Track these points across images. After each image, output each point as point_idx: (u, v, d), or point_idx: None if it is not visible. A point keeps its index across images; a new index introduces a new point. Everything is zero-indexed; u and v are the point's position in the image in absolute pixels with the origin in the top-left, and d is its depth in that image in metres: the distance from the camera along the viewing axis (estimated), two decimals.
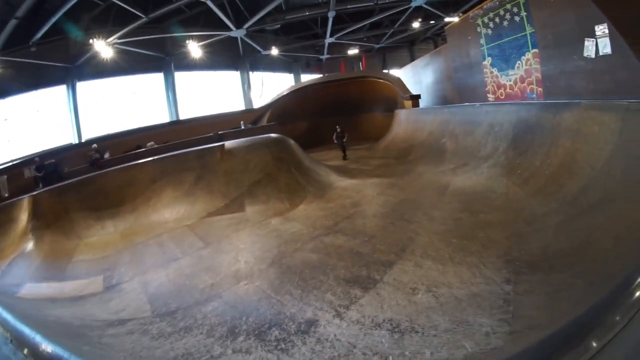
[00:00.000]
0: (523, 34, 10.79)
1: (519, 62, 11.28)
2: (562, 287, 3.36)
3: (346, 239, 5.87)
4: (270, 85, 24.49)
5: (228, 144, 10.30)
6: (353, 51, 26.02)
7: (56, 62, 16.56)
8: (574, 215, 4.72)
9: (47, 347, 1.29)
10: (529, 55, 10.76)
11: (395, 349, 2.97)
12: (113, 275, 6.43)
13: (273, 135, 11.29)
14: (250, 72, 23.91)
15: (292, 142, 10.69)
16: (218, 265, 5.85)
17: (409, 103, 14.84)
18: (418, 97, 15.23)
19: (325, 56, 25.91)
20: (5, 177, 12.53)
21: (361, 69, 26.35)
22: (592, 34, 8.31)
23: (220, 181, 9.45)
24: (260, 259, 5.73)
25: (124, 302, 5.09)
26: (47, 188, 10.78)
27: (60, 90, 17.51)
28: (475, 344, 2.87)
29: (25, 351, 1.30)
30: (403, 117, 14.38)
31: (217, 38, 19.74)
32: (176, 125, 18.41)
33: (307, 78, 24.81)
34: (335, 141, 13.65)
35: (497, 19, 11.83)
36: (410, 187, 8.35)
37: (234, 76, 23.78)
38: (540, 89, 10.58)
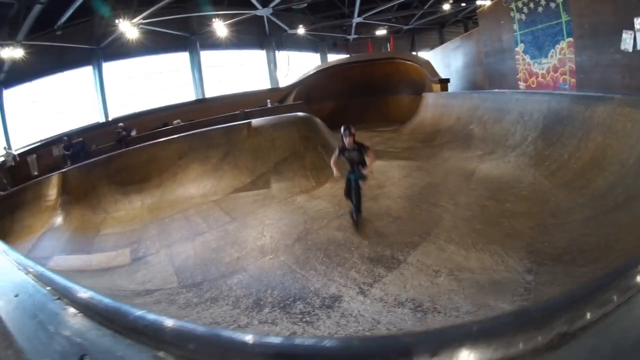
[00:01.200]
0: (558, 21, 10.42)
1: (552, 50, 10.94)
2: (584, 280, 3.36)
3: (371, 219, 5.92)
4: (297, 65, 24.44)
5: (255, 121, 10.32)
6: (381, 32, 25.58)
7: (81, 44, 16.91)
8: (601, 211, 4.64)
9: (97, 300, 1.38)
10: (563, 44, 10.43)
11: (418, 326, 3.05)
12: (140, 248, 6.65)
13: (300, 113, 11.30)
14: (277, 51, 23.87)
15: (318, 120, 10.66)
16: (244, 240, 5.98)
17: (437, 86, 14.57)
18: (447, 80, 14.92)
19: (352, 36, 25.56)
20: (35, 156, 13.13)
21: (389, 50, 25.93)
22: (631, 27, 8.01)
23: (247, 158, 9.55)
24: (286, 235, 5.85)
25: (150, 274, 5.29)
26: (75, 165, 11.17)
27: (87, 71, 17.91)
28: None
29: (71, 306, 1.40)
30: (431, 100, 14.13)
31: (243, 17, 19.75)
32: (202, 103, 18.68)
33: (333, 58, 24.58)
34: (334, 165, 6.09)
35: (531, 4, 11.44)
36: (436, 171, 8.29)
37: (260, 55, 23.78)
38: (573, 80, 10.28)
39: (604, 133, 5.97)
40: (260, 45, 23.45)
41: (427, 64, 16.21)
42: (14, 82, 15.86)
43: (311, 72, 19.21)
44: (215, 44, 20.66)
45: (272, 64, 23.73)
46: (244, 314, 3.64)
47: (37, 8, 13.13)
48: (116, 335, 1.12)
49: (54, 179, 10.23)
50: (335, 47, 26.52)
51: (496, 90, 11.33)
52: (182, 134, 11.52)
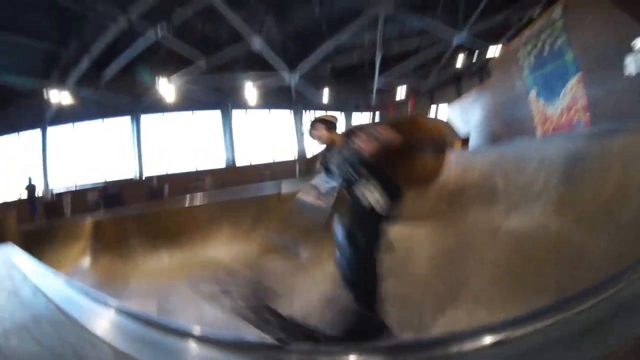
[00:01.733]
0: (565, 59, 10.41)
1: (564, 89, 10.83)
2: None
3: (397, 282, 5.69)
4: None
5: (285, 189, 10.63)
6: (400, 92, 26.37)
7: (123, 96, 18.24)
8: (626, 247, 4.38)
9: None
10: (573, 81, 10.33)
11: None
12: (167, 302, 6.59)
13: None
14: (303, 113, 24.84)
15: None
16: (275, 306, 5.88)
17: (458, 143, 14.75)
18: (467, 137, 15.07)
19: (374, 98, 26.42)
20: (70, 196, 13.68)
21: (409, 109, 26.54)
22: (631, 50, 8.02)
23: (277, 225, 9.40)
24: (316, 300, 5.75)
25: None
26: (108, 213, 11.64)
27: (125, 121, 19.07)
28: None
29: None
30: (453, 158, 14.13)
31: (271, 80, 20.85)
32: (233, 167, 19.46)
33: (357, 118, 25.39)
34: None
35: (538, 47, 11.55)
36: (462, 231, 8.17)
37: (287, 116, 24.98)
38: (587, 114, 10.10)
39: (624, 164, 5.71)
40: (287, 107, 24.46)
41: (448, 122, 16.51)
42: (58, 122, 17.12)
43: None
44: (245, 104, 21.66)
45: (299, 126, 24.64)
46: None
47: (87, 60, 14.23)
48: None
49: (87, 223, 10.61)
50: (358, 109, 27.33)
51: (515, 140, 11.19)
52: (214, 197, 12.02)
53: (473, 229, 8.04)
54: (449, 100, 26.41)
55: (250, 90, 20.32)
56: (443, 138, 15.36)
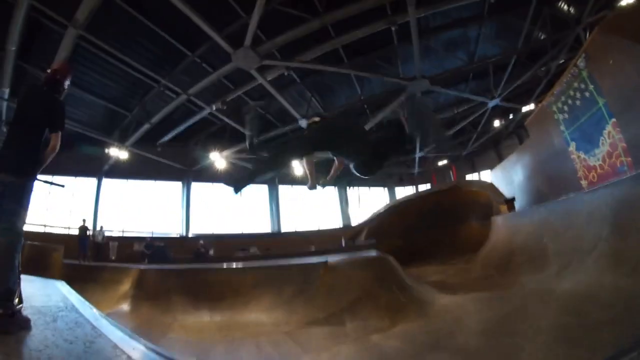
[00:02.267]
0: (597, 107, 10.19)
1: (601, 137, 10.47)
2: None
3: (448, 356, 5.64)
4: (367, 201, 25.59)
5: (331, 260, 10.50)
6: (442, 161, 26.46)
7: (175, 163, 19.48)
8: None
9: None
10: (608, 127, 10.00)
11: None
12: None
13: (373, 253, 11.52)
14: (348, 188, 25.32)
15: (393, 260, 10.61)
16: None
17: (504, 207, 14.36)
18: (513, 200, 14.66)
19: (416, 169, 26.64)
20: (117, 243, 14.24)
21: (452, 178, 26.40)
22: None
23: (321, 295, 9.42)
24: None
25: None
26: (152, 266, 11.88)
27: (176, 185, 20.14)
28: None
29: None
30: (500, 223, 13.74)
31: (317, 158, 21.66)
32: (278, 236, 19.83)
33: (400, 192, 25.62)
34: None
35: (569, 101, 11.46)
36: (513, 298, 7.77)
37: (332, 192, 25.45)
38: (629, 158, 9.60)
39: None
40: (333, 183, 25.07)
41: (491, 187, 16.26)
42: (114, 176, 18.62)
43: (381, 211, 19.92)
44: (291, 180, 22.44)
45: (343, 201, 25.06)
46: None
47: (146, 126, 15.55)
48: None
49: (132, 271, 10.87)
50: (402, 182, 27.57)
51: (561, 197, 10.69)
52: (258, 264, 12.11)
53: (524, 295, 7.66)
54: (490, 164, 26.23)
55: (297, 166, 21.08)
56: (488, 202, 15.19)
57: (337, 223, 24.31)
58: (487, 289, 9.21)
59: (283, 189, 23.50)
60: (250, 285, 10.47)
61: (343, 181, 25.01)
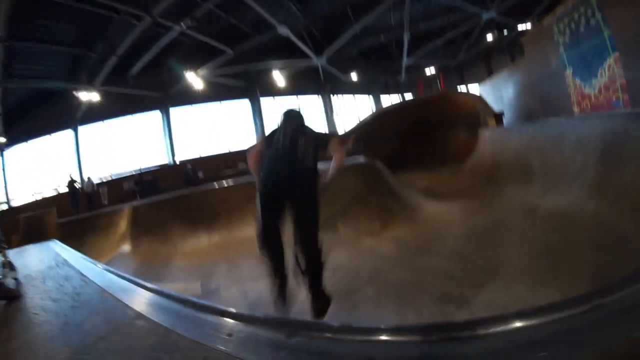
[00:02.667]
0: (601, 37, 10.10)
1: (601, 68, 10.56)
2: None
3: (439, 260, 5.98)
4: (352, 108, 25.25)
5: (321, 166, 10.61)
6: (430, 70, 25.92)
7: (151, 92, 18.67)
8: None
9: None
10: (610, 60, 10.05)
11: None
12: (211, 282, 6.91)
13: (362, 159, 11.60)
14: (332, 96, 24.80)
15: (380, 165, 10.86)
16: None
17: (492, 121, 14.43)
18: (502, 115, 14.78)
19: (403, 77, 26.10)
20: (106, 187, 14.31)
21: (440, 87, 26.11)
22: None
23: None
24: (357, 277, 5.92)
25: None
26: (144, 200, 12.04)
27: (156, 115, 19.60)
28: None
29: None
30: (488, 136, 13.90)
31: (298, 65, 20.88)
32: None
33: (386, 99, 25.26)
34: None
35: (572, 25, 11.22)
36: (499, 209, 8.20)
37: (316, 101, 24.94)
38: (626, 95, 9.82)
39: None
40: (316, 91, 24.51)
41: (480, 99, 16.16)
42: (90, 120, 17.95)
43: (367, 118, 19.73)
44: (274, 92, 21.83)
45: (328, 108, 24.64)
46: None
47: (113, 60, 14.67)
48: None
49: (125, 211, 10.97)
50: (387, 89, 27.08)
51: (551, 118, 10.97)
52: (248, 178, 12.02)
53: (509, 207, 8.06)
54: (479, 78, 25.94)
55: (278, 77, 20.41)
56: (476, 114, 15.16)
57: (322, 131, 24.03)
58: (473, 198, 9.65)
59: (265, 102, 22.94)
60: (243, 199, 10.47)
61: (326, 89, 24.57)
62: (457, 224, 7.81)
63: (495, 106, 15.98)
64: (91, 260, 4.37)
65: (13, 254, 4.38)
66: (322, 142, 3.47)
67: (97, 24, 13.95)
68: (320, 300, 3.42)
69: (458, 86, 27.18)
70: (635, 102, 9.39)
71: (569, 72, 12.20)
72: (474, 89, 22.84)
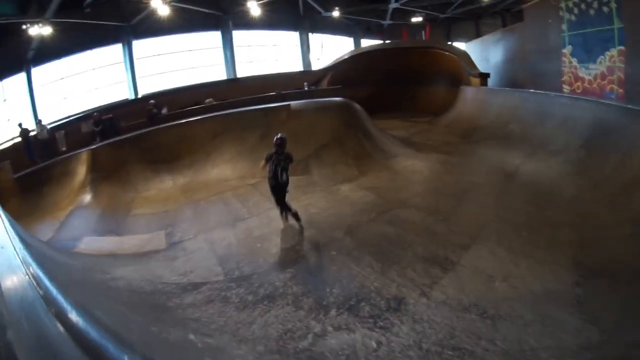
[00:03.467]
0: (610, 27, 10.08)
1: (602, 56, 10.63)
2: (629, 295, 3.51)
3: (421, 216, 6.00)
4: (330, 48, 24.48)
5: (294, 104, 10.30)
6: (417, 19, 25.17)
7: (111, 22, 17.01)
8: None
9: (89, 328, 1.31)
10: (613, 51, 10.12)
11: (495, 334, 3.09)
12: (175, 232, 6.65)
13: (338, 99, 11.24)
14: (310, 34, 23.83)
15: (358, 107, 10.62)
16: (289, 229, 5.96)
17: (476, 81, 14.31)
18: (487, 75, 14.66)
19: (387, 22, 25.21)
20: (63, 132, 13.36)
21: (424, 38, 25.56)
22: None
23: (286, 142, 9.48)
24: (335, 227, 5.87)
25: (191, 263, 5.19)
26: (105, 142, 11.34)
27: (117, 48, 18.11)
28: (571, 337, 3.01)
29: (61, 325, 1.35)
30: (469, 94, 13.92)
31: None
32: (234, 82, 18.89)
33: (367, 43, 24.47)
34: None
35: (583, 5, 11.07)
36: (477, 169, 8.31)
37: (293, 37, 23.79)
38: (621, 90, 10.01)
39: None
40: (293, 27, 23.40)
41: (465, 56, 15.95)
42: (43, 60, 16.10)
43: (346, 57, 19.17)
44: (248, 24, 20.57)
45: (305, 46, 23.70)
46: (311, 318, 3.53)
47: None
48: None
49: (83, 155, 10.38)
50: (370, 32, 26.19)
51: (540, 91, 10.85)
52: (216, 113, 11.60)
53: (489, 170, 8.12)
54: (466, 36, 25.46)
55: (253, 6, 19.22)
56: (460, 70, 15.06)
57: (297, 69, 23.02)
58: (452, 154, 9.70)
59: (237, 35, 21.65)
60: (210, 136, 10.50)
61: (305, 25, 23.53)
62: (437, 179, 7.88)
63: (481, 67, 15.83)
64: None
65: None
66: (289, 159, 6.11)
67: None
68: (293, 215, 5.94)
69: (444, 41, 26.70)
70: (630, 98, 9.45)
71: (567, 50, 12.19)
72: (460, 46, 22.45)
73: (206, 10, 19.44)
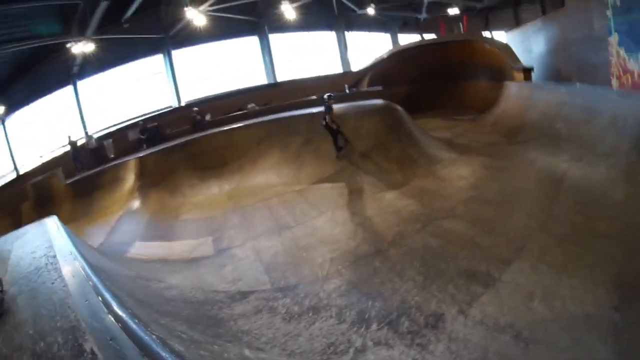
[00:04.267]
0: None
1: None
2: None
3: (465, 226, 5.95)
4: (367, 46, 24.40)
5: (337, 108, 10.28)
6: (453, 10, 24.65)
7: (150, 34, 17.82)
8: None
9: None
10: None
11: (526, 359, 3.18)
12: (223, 238, 6.95)
13: (380, 101, 11.22)
14: (346, 32, 23.85)
15: (401, 109, 10.53)
16: (335, 239, 6.07)
17: (520, 75, 13.82)
18: (531, 70, 14.16)
19: (423, 15, 24.89)
20: (111, 140, 14.25)
21: (462, 30, 24.97)
22: None
23: (329, 147, 9.55)
24: (380, 237, 5.95)
25: (239, 270, 5.43)
26: (151, 149, 11.86)
27: (158, 59, 18.88)
28: None
29: None
30: (514, 91, 13.38)
31: None
32: (276, 87, 19.29)
33: (404, 38, 24.30)
34: (324, 122, 9.25)
35: None
36: (523, 175, 8.06)
37: (329, 36, 23.91)
38: None
39: None
40: (329, 27, 23.45)
41: (507, 49, 15.39)
42: (88, 73, 17.24)
43: (384, 56, 19.03)
44: (283, 27, 20.82)
45: (342, 45, 23.75)
46: (353, 332, 3.68)
47: (103, 5, 13.97)
48: None
49: (131, 163, 10.96)
50: (406, 27, 25.90)
51: (586, 85, 10.26)
52: (259, 119, 11.89)
53: (535, 176, 7.86)
54: (505, 25, 24.58)
55: (288, 9, 19.48)
56: (503, 64, 14.61)
57: (336, 70, 23.01)
58: (497, 157, 9.44)
59: (274, 38, 21.98)
60: (254, 142, 10.74)
61: (340, 24, 23.57)
62: (482, 185, 7.74)
63: (523, 59, 15.21)
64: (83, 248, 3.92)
65: (6, 243, 3.76)
66: (330, 109, 8.93)
67: None
68: (345, 141, 8.86)
69: (482, 31, 25.97)
70: None
71: (613, 39, 11.25)
72: (499, 36, 21.78)
73: (241, 17, 19.84)
